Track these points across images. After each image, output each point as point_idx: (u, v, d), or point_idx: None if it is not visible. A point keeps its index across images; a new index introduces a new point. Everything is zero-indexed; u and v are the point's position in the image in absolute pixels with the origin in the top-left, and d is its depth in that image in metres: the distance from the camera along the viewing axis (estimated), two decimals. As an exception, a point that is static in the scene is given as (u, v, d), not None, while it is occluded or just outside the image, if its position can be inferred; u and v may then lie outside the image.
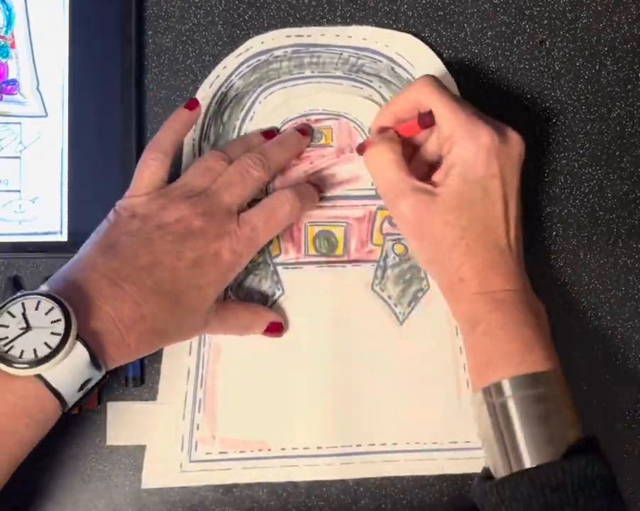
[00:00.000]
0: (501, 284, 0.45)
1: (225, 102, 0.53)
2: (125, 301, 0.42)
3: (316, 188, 0.53)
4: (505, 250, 0.46)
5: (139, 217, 0.45)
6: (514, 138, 0.46)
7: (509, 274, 0.45)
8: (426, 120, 0.47)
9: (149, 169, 0.47)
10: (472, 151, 0.45)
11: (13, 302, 0.39)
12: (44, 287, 0.40)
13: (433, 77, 0.48)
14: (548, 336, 0.45)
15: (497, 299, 0.45)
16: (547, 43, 0.54)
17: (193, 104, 0.49)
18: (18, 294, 0.40)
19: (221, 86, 0.53)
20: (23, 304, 0.39)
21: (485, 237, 0.45)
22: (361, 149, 0.52)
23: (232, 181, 0.48)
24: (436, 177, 0.47)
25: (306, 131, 0.53)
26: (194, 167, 0.49)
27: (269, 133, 0.52)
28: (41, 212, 0.51)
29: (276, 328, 0.51)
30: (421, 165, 0.50)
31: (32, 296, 0.39)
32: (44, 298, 0.39)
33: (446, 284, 0.47)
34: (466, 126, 0.45)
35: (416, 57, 0.54)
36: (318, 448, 0.51)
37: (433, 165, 0.49)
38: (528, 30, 0.54)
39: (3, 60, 0.51)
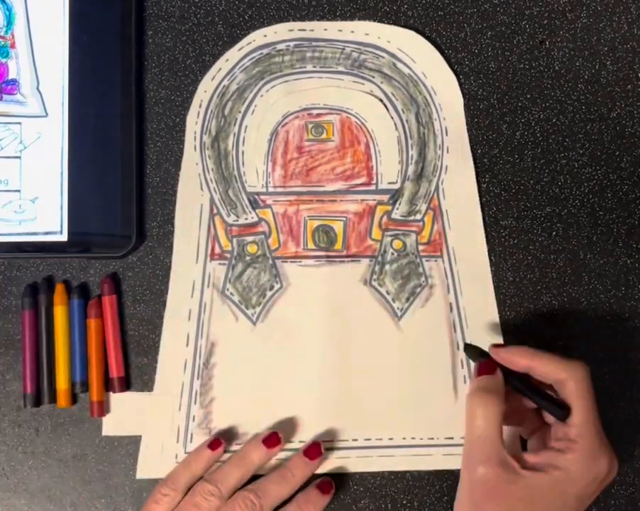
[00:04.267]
0: None
1: (227, 95, 0.53)
2: None
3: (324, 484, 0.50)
4: None
5: None
6: (615, 469, 0.46)
7: None
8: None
9: (158, 505, 0.48)
10: (583, 469, 0.44)
11: None
12: None
13: (588, 372, 0.45)
14: None
15: None
16: (547, 43, 0.54)
17: (216, 444, 0.49)
18: None
19: (223, 79, 0.53)
20: None
21: None
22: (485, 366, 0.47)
23: None
24: (531, 457, 0.45)
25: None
26: (184, 502, 0.48)
27: (272, 440, 0.49)
28: (41, 212, 0.51)
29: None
30: (518, 409, 0.48)
31: None
32: None
33: None
34: (592, 444, 0.44)
35: (418, 54, 0.54)
36: None
37: (527, 414, 0.48)
38: (528, 30, 0.54)
39: (3, 60, 0.51)
